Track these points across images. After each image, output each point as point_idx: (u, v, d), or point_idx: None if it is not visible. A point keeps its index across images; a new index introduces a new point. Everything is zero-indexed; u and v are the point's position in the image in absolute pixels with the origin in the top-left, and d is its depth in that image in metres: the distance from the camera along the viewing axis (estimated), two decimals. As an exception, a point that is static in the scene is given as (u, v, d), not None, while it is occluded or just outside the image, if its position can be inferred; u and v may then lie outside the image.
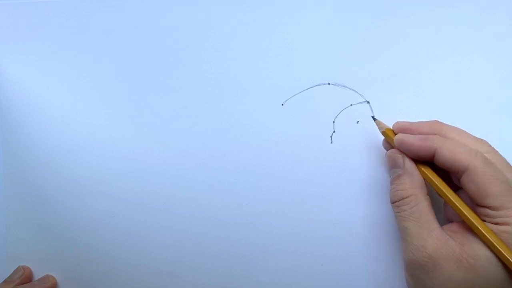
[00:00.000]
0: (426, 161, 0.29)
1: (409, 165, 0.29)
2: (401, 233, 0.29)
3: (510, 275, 0.25)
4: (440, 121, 0.30)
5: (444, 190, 0.28)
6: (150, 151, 0.36)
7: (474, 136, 0.29)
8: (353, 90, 0.34)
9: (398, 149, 0.30)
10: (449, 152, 0.27)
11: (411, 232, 0.28)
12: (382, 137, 0.33)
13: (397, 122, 0.32)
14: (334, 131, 0.35)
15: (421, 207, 0.28)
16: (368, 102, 0.34)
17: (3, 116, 0.38)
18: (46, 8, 0.37)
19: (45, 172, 0.37)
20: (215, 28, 0.36)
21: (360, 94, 0.34)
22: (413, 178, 0.29)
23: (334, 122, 0.35)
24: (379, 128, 0.33)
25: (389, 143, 0.32)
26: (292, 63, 0.35)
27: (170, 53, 0.36)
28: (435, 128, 0.30)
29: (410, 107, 0.34)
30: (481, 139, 0.29)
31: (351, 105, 0.34)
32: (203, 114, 0.36)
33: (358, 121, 0.34)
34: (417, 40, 0.34)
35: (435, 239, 0.27)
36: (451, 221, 0.30)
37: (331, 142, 0.35)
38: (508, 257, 0.25)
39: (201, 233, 0.36)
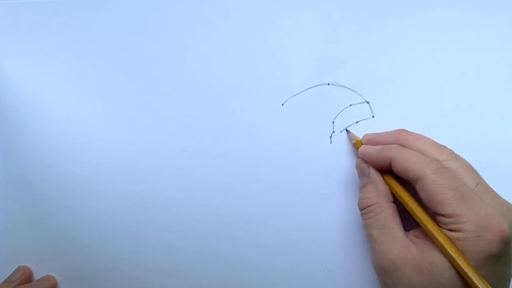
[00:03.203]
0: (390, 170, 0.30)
1: (374, 174, 0.31)
2: (368, 239, 0.30)
3: (464, 281, 0.26)
4: (406, 130, 0.32)
5: (404, 198, 0.29)
6: (150, 151, 0.36)
7: (436, 144, 0.30)
8: (353, 90, 0.34)
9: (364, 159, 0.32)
10: (403, 162, 0.28)
11: (376, 239, 0.29)
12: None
13: (365, 134, 0.33)
14: (334, 131, 0.35)
15: (385, 214, 0.29)
16: (368, 102, 0.34)
17: (3, 116, 0.38)
18: (46, 8, 0.37)
19: (45, 172, 0.37)
20: (215, 28, 0.36)
21: (359, 95, 0.34)
22: (377, 186, 0.30)
23: (334, 122, 0.35)
24: (350, 140, 0.34)
25: None
26: (292, 63, 0.35)
27: (170, 53, 0.36)
28: (398, 138, 0.31)
29: (410, 107, 0.34)
30: (442, 146, 0.30)
31: (350, 105, 0.34)
32: (203, 114, 0.36)
33: (357, 121, 0.34)
34: (417, 40, 0.34)
35: (398, 246, 0.28)
36: None
37: (331, 142, 0.35)
38: (459, 263, 0.25)
39: (201, 233, 0.36)
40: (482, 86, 0.34)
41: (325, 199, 0.35)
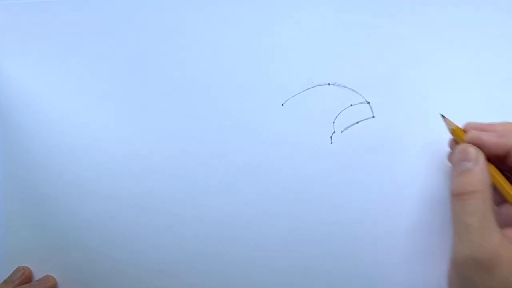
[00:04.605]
0: (494, 161, 0.29)
1: (483, 160, 0.28)
2: (460, 228, 0.27)
3: None
4: None
5: (508, 188, 0.28)
6: (150, 151, 0.36)
7: None
8: (353, 90, 0.34)
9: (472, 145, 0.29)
10: None
11: (473, 229, 0.26)
12: (383, 138, 0.33)
13: (469, 122, 0.31)
14: (334, 131, 0.35)
15: (488, 205, 0.27)
16: (368, 103, 0.34)
17: (3, 116, 0.38)
18: (46, 8, 0.37)
19: (45, 172, 0.37)
20: (215, 28, 0.36)
21: (360, 95, 0.34)
22: (484, 174, 0.28)
23: (334, 122, 0.35)
24: (448, 126, 0.32)
25: (456, 142, 0.31)
26: (292, 63, 0.35)
27: (170, 53, 0.36)
28: (509, 129, 0.29)
29: (410, 107, 0.34)
30: None
31: (351, 105, 0.34)
32: (203, 114, 0.36)
33: (358, 121, 0.34)
34: (417, 40, 0.34)
35: (497, 240, 0.25)
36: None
37: (331, 142, 0.35)
38: None
39: (201, 233, 0.36)
40: (482, 86, 0.34)
41: (325, 199, 0.35)
